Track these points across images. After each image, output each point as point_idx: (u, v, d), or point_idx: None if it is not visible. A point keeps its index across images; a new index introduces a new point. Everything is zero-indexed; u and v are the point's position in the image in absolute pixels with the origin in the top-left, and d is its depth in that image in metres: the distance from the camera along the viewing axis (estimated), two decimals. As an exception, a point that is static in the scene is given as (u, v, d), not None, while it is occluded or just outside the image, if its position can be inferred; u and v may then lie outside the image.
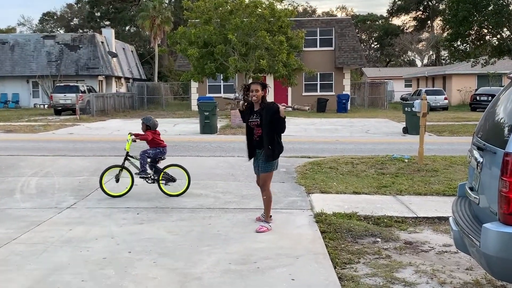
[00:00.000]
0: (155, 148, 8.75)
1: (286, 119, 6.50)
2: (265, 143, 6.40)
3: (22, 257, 5.55)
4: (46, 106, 40.60)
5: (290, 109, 6.95)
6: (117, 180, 8.65)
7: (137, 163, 8.69)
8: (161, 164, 8.80)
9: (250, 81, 31.40)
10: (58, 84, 36.89)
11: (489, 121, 4.55)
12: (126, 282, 4.85)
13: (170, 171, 8.78)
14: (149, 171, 8.69)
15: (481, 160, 4.22)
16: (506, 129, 4.04)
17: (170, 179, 8.66)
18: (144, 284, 4.80)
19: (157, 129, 8.87)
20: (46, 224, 6.94)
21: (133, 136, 8.65)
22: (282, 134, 6.58)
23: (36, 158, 13.22)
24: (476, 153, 4.42)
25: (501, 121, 4.32)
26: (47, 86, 42.08)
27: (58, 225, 6.89)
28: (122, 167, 8.70)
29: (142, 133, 8.75)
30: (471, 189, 4.53)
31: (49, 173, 10.91)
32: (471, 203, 4.55)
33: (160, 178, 8.60)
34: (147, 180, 8.68)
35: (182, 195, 8.57)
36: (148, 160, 8.69)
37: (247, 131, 6.68)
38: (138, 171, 8.64)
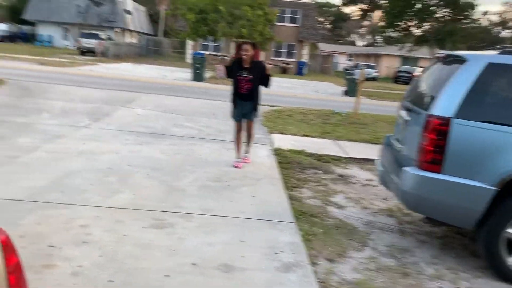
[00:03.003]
0: None
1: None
2: (255, 96, 5.81)
3: (43, 162, 5.23)
4: (74, 47, 38.86)
5: (276, 66, 6.33)
6: None
7: None
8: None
9: (233, 43, 30.46)
10: (84, 31, 35.21)
11: (416, 90, 4.37)
12: (124, 188, 4.61)
13: None
14: None
15: (408, 119, 4.06)
16: (429, 98, 3.86)
17: None
18: (138, 191, 4.58)
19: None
20: (65, 138, 6.57)
21: None
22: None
23: (62, 86, 12.57)
24: (403, 113, 4.25)
25: (426, 91, 4.14)
26: (75, 32, 40.15)
27: (75, 140, 6.53)
28: None
29: None
30: (397, 140, 4.39)
31: (71, 99, 10.38)
32: (395, 151, 4.42)
33: None
34: None
35: (174, 126, 8.25)
36: None
37: (234, 84, 5.85)
38: None
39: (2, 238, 1.22)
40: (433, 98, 3.65)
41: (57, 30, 43.09)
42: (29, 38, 44.81)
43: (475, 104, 3.41)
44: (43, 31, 42.96)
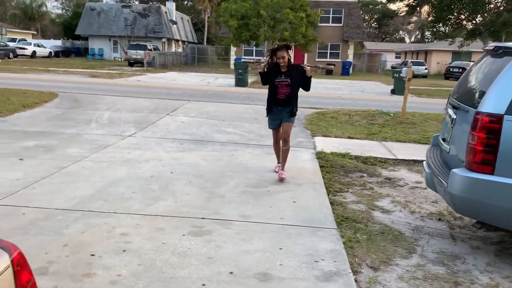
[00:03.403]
0: None
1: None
2: (292, 101, 5.49)
3: (89, 171, 5.42)
4: (122, 59, 40.44)
5: (316, 68, 5.81)
6: None
7: None
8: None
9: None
10: (131, 43, 36.57)
11: (464, 86, 4.11)
12: (166, 196, 4.67)
13: None
14: None
15: (455, 117, 3.83)
16: (477, 94, 3.63)
17: None
18: (179, 198, 4.62)
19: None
20: (111, 147, 6.79)
21: None
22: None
23: (110, 97, 13.06)
24: (450, 111, 4.01)
25: (474, 87, 3.89)
26: (123, 44, 41.79)
27: (120, 149, 6.73)
28: None
29: None
30: (444, 140, 4.15)
31: (118, 109, 10.75)
32: (442, 151, 4.19)
33: None
34: None
35: (216, 132, 8.30)
36: None
37: (271, 90, 5.57)
38: None
39: (14, 255, 1.23)
40: (482, 94, 3.42)
41: (107, 43, 45.06)
42: (81, 52, 47.21)
43: (530, 99, 3.14)
44: (94, 45, 45.08)
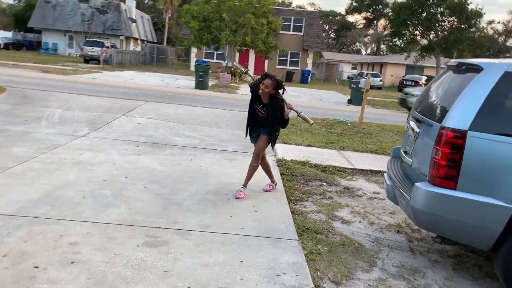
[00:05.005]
0: None
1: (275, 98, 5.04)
2: (270, 125, 5.04)
3: (36, 173, 5.03)
4: (77, 55, 38.96)
5: (295, 113, 5.48)
6: None
7: None
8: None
9: (237, 53, 30.08)
10: (88, 39, 35.27)
11: (427, 100, 4.14)
12: (119, 202, 4.39)
13: None
14: None
15: (418, 130, 3.83)
16: (442, 109, 3.64)
17: None
18: (133, 205, 4.35)
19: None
20: (62, 148, 6.38)
21: None
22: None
23: (63, 94, 12.42)
24: (413, 124, 4.02)
25: (438, 102, 3.91)
26: (79, 40, 40.29)
27: (71, 150, 6.34)
28: None
29: None
30: (406, 152, 4.16)
31: (71, 107, 10.22)
32: (404, 164, 4.19)
33: None
34: None
35: (175, 135, 8.03)
36: None
37: (249, 111, 5.17)
38: None
39: None
40: (446, 109, 3.43)
41: (62, 38, 43.29)
42: (34, 46, 45.05)
43: (492, 116, 3.18)
44: (48, 39, 43.16)
